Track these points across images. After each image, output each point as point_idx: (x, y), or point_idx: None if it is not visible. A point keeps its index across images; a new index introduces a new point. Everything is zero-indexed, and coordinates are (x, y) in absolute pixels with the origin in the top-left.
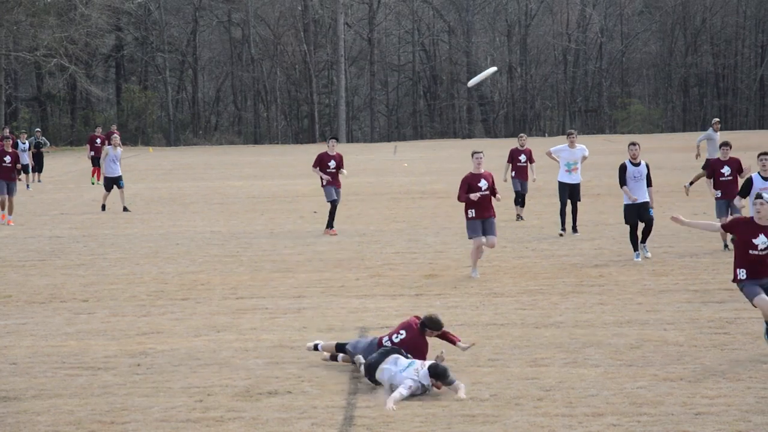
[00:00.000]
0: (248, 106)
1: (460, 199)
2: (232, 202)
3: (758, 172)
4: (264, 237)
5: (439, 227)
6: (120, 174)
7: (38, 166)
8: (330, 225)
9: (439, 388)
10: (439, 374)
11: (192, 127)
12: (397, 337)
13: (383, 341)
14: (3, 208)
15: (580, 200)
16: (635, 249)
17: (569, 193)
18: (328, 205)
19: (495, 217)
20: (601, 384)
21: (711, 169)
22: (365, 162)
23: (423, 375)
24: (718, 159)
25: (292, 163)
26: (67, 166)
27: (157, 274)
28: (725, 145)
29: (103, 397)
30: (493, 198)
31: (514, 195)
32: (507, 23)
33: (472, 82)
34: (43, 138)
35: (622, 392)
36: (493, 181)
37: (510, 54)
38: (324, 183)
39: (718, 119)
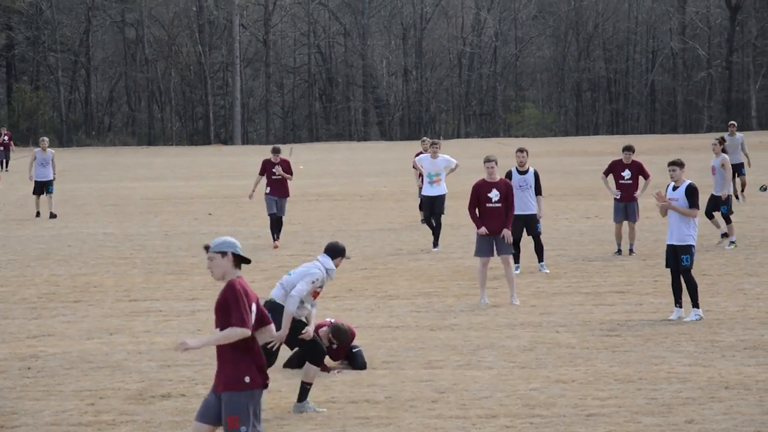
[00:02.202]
0: (142, 107)
1: (469, 209)
2: (126, 204)
3: (671, 183)
4: (158, 239)
5: (334, 229)
6: (51, 178)
7: None
8: (273, 237)
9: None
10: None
11: (85, 128)
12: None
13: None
14: None
15: (443, 213)
16: (516, 261)
17: (431, 205)
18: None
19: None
20: (494, 386)
21: (611, 170)
22: (260, 164)
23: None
24: (620, 161)
25: (186, 165)
26: None
27: (49, 276)
28: (628, 149)
29: None
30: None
31: (419, 200)
32: (402, 26)
33: None
34: None
35: (515, 394)
36: (507, 191)
37: (405, 57)
38: (268, 191)
39: (733, 122)
